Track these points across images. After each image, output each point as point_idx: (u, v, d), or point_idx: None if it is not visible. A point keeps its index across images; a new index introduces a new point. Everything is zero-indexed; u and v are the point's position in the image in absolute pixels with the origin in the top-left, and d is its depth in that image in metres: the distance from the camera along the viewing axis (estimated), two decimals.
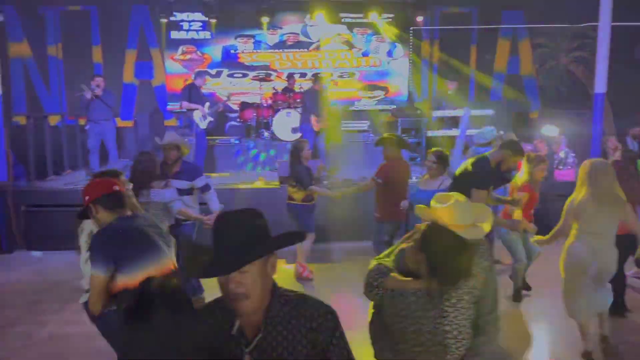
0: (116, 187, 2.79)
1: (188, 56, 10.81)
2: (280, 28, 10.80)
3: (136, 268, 2.60)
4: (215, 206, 4.94)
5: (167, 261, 2.76)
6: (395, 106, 11.10)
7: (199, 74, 8.73)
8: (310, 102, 8.52)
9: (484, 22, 11.21)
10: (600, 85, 7.27)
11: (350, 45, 10.97)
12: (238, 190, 7.50)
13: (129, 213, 2.82)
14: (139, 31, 10.81)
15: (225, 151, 9.41)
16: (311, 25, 10.84)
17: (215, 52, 10.82)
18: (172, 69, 10.85)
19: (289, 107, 9.46)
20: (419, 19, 10.12)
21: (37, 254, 6.93)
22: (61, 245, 6.80)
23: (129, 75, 10.88)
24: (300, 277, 5.85)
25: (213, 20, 9.88)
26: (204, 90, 9.07)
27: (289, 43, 10.89)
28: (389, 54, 11.08)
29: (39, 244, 7.06)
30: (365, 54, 11.04)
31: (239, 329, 1.61)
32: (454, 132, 8.27)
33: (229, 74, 10.85)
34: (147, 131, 10.71)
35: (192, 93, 8.45)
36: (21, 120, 10.74)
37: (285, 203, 5.92)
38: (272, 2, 9.76)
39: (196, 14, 10.53)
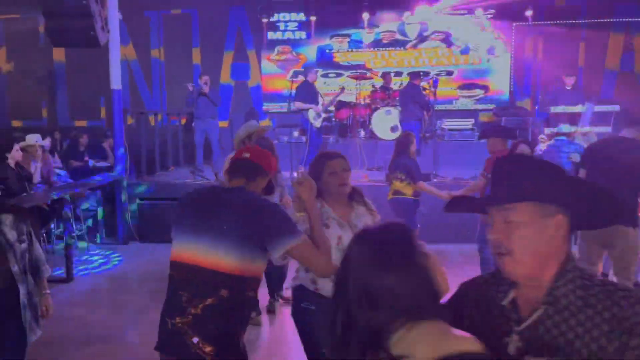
0: None
1: (283, 56, 10.86)
2: (377, 26, 10.61)
3: None
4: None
5: None
6: (494, 105, 10.60)
7: (309, 70, 8.62)
8: (413, 98, 8.24)
9: (594, 16, 10.48)
10: None
11: (449, 43, 10.59)
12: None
13: None
14: (236, 33, 11.00)
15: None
16: (409, 23, 10.57)
17: (310, 52, 10.80)
18: (268, 70, 10.93)
19: (387, 105, 9.21)
20: (528, 12, 9.56)
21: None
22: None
23: (225, 76, 11.08)
24: None
25: (313, 18, 9.82)
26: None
27: (385, 41, 10.67)
28: (490, 51, 10.59)
29: (152, 236, 7.21)
30: (464, 52, 10.62)
31: (512, 302, 1.34)
32: (573, 129, 7.66)
33: (323, 74, 10.78)
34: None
35: (307, 91, 8.38)
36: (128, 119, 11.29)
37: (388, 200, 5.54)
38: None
39: (292, 14, 10.57)
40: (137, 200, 7.26)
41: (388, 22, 10.54)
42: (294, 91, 8.67)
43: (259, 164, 2.17)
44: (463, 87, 10.49)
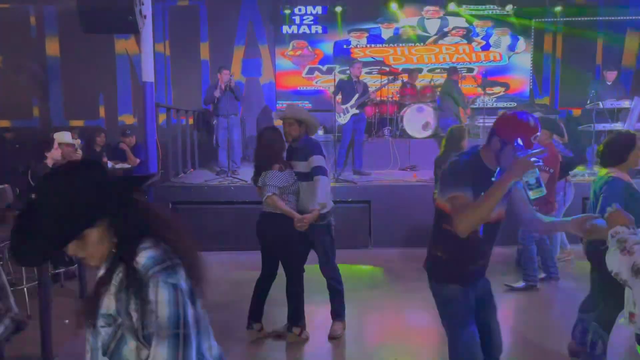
0: None
1: (299, 52, 10.34)
2: (396, 21, 10.24)
3: None
4: (320, 198, 3.81)
5: None
6: (515, 104, 10.41)
7: (352, 64, 8.15)
8: (447, 93, 7.92)
9: (611, 14, 10.45)
10: None
11: (470, 39, 10.33)
12: (397, 185, 6.92)
13: None
14: (247, 27, 10.41)
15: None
16: (428, 18, 10.25)
17: (326, 47, 10.32)
18: (282, 66, 10.38)
19: (417, 102, 8.84)
20: (558, 9, 9.37)
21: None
22: (213, 244, 6.32)
23: (236, 72, 10.41)
24: None
25: (339, 9, 9.33)
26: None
27: (404, 37, 10.31)
28: (511, 47, 10.39)
29: None
30: (485, 48, 10.38)
31: None
32: (617, 126, 7.49)
33: (340, 70, 10.31)
34: (254, 132, 10.25)
35: (347, 88, 7.91)
36: (128, 119, 10.50)
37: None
38: None
39: (309, 7, 10.06)
40: (170, 205, 6.60)
41: (407, 17, 10.18)
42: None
43: None
44: (484, 84, 10.21)
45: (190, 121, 9.10)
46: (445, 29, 10.29)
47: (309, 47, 10.31)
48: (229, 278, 5.34)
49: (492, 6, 10.08)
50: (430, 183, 6.57)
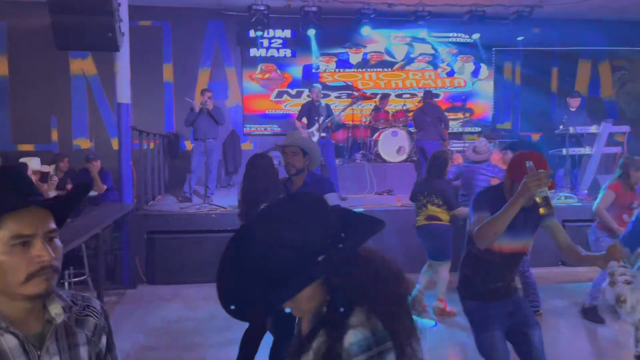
0: None
1: (267, 75, 10.14)
2: (364, 46, 10.30)
3: None
4: None
5: None
6: (480, 128, 10.68)
7: (311, 88, 8.02)
8: (434, 117, 7.97)
9: (565, 44, 11.02)
10: None
11: (435, 65, 10.55)
12: (380, 210, 6.78)
13: None
14: (214, 49, 10.12)
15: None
16: (396, 45, 10.39)
17: (295, 71, 10.19)
18: (250, 89, 10.14)
19: (390, 126, 8.85)
20: (520, 38, 9.73)
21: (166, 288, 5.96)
22: (192, 277, 5.93)
23: (198, 95, 10.08)
24: (442, 313, 4.97)
25: (313, 32, 9.23)
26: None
27: (373, 62, 10.37)
28: (474, 74, 10.69)
29: (165, 276, 6.09)
30: (450, 74, 10.62)
31: None
32: (585, 150, 7.78)
33: (309, 94, 10.19)
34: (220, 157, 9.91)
35: (311, 111, 7.75)
36: (83, 143, 9.84)
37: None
38: (364, 15, 9.21)
39: (277, 30, 9.92)
40: (145, 235, 6.13)
41: (375, 42, 10.26)
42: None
43: None
44: (449, 109, 10.41)
45: (152, 145, 8.64)
46: (412, 55, 10.46)
47: (278, 71, 10.14)
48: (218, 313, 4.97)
49: (456, 34, 10.36)
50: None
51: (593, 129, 7.69)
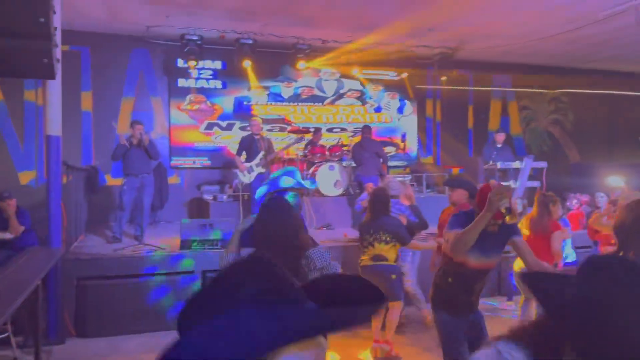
0: None
1: (196, 106, 9.77)
2: (295, 81, 10.32)
3: None
4: None
5: None
6: (405, 163, 11.06)
7: (250, 121, 7.81)
8: (372, 151, 8.10)
9: (478, 84, 11.86)
10: None
11: (364, 101, 10.82)
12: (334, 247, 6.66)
13: None
14: (138, 77, 9.59)
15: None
16: (326, 80, 10.53)
17: (226, 103, 9.93)
18: (178, 120, 9.69)
19: (327, 160, 8.86)
20: (443, 78, 10.26)
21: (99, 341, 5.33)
22: (130, 327, 5.42)
23: (123, 126, 9.45)
24: (388, 355, 4.86)
25: (248, 64, 9.03)
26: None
27: (304, 96, 10.41)
28: (400, 110, 11.11)
29: (98, 327, 5.46)
30: (377, 110, 10.94)
31: None
32: (509, 184, 8.30)
33: (240, 127, 9.98)
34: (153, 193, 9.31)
35: (252, 145, 7.52)
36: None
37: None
38: (297, 50, 9.26)
39: (207, 61, 9.65)
40: (76, 282, 5.48)
41: (305, 77, 10.33)
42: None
43: None
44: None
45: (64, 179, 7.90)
46: (342, 91, 10.65)
47: (208, 102, 9.82)
48: None
49: (384, 72, 10.74)
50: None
51: (516, 164, 8.24)
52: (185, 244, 6.05)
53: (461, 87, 11.56)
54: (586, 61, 11.59)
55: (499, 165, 8.07)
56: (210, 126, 9.82)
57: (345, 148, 9.13)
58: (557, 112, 12.61)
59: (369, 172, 7.94)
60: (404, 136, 10.67)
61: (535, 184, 8.48)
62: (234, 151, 9.79)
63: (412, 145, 11.21)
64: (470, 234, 2.85)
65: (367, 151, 8.15)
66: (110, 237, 7.01)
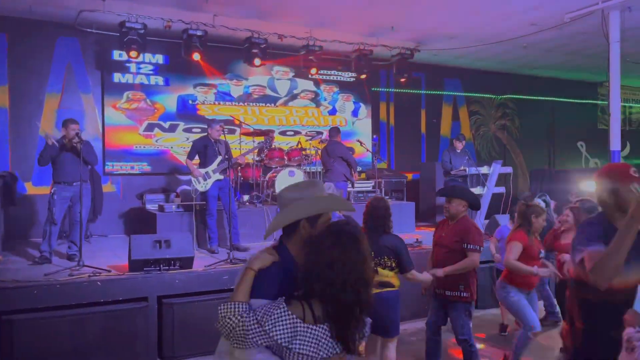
0: None
1: (135, 105, 8.67)
2: (246, 79, 9.50)
3: None
4: None
5: None
6: (360, 168, 10.55)
7: (213, 123, 6.87)
8: (339, 155, 7.48)
9: (430, 88, 11.66)
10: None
11: (318, 103, 10.20)
12: None
13: None
14: (65, 71, 8.36)
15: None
16: (279, 79, 9.80)
17: (169, 101, 8.91)
18: (114, 120, 8.54)
19: (285, 166, 8.13)
20: (402, 79, 9.83)
21: None
22: None
23: (48, 125, 8.19)
24: None
25: (197, 56, 7.99)
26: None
27: (255, 96, 9.61)
28: (354, 113, 10.60)
29: None
30: (332, 113, 10.36)
31: None
32: (476, 190, 8.00)
33: (185, 128, 9.00)
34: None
35: (208, 149, 6.62)
36: None
37: None
38: (248, 48, 8.46)
39: (147, 54, 8.59)
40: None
41: (257, 75, 9.54)
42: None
43: None
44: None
45: None
46: (295, 91, 9.97)
47: (148, 100, 8.75)
48: None
49: (340, 72, 10.19)
50: None
51: (484, 169, 7.96)
52: (135, 265, 5.08)
53: (417, 91, 11.29)
54: (532, 67, 11.73)
55: (467, 170, 7.74)
56: (150, 127, 8.76)
57: (304, 152, 8.45)
58: (504, 118, 12.70)
59: (334, 178, 7.30)
60: (373, 140, 10.16)
61: (501, 189, 8.26)
62: (177, 155, 8.85)
63: (366, 150, 10.71)
64: (614, 254, 2.06)
65: (331, 156, 7.52)
66: (37, 258, 5.85)
